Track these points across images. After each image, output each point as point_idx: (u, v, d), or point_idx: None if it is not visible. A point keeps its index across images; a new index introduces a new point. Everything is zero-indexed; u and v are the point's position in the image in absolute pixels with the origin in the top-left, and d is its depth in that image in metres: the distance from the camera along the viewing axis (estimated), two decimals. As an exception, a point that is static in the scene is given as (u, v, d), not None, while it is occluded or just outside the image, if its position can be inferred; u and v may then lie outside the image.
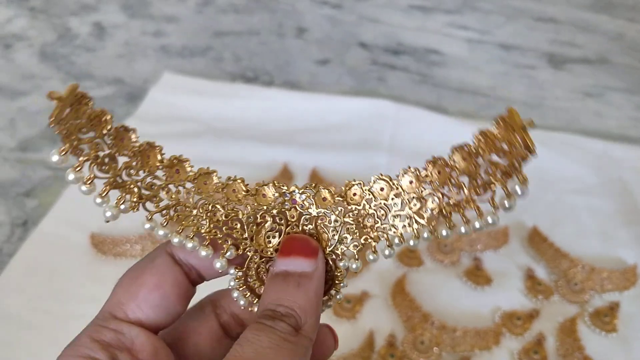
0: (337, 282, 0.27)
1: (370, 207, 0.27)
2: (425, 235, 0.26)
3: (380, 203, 0.27)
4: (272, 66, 0.93)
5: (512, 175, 0.24)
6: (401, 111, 0.80)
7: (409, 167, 0.26)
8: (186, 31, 1.00)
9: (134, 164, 0.26)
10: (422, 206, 0.26)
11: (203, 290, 0.29)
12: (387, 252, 0.26)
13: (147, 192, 0.26)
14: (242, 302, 0.27)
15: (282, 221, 0.27)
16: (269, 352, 0.22)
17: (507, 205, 0.24)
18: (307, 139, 0.76)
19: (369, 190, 0.27)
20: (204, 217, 0.27)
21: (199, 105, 0.81)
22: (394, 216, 0.26)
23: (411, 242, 0.26)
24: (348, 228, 0.27)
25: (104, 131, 0.25)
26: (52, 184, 0.68)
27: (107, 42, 0.96)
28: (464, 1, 1.12)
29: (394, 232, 0.26)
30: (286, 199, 0.27)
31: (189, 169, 0.28)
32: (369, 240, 0.27)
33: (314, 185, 0.27)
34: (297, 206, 0.27)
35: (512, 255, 0.63)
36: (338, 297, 0.27)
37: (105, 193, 0.25)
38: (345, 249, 0.27)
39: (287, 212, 0.27)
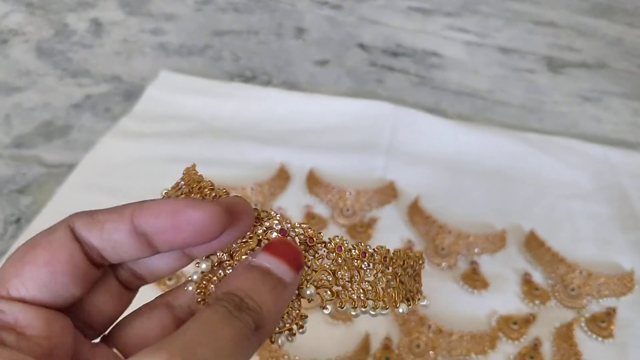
0: (299, 322, 0.26)
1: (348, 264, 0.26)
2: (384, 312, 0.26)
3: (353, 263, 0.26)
4: (270, 66, 0.92)
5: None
6: (400, 113, 0.80)
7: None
8: (185, 29, 1.00)
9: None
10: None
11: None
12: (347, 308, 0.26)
13: None
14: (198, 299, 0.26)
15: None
16: (230, 345, 0.20)
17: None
18: (305, 140, 0.76)
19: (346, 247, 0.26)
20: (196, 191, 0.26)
21: (196, 104, 0.81)
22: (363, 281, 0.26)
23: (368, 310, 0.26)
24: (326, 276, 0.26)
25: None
26: (47, 182, 0.68)
27: (105, 39, 0.96)
28: (464, 4, 1.12)
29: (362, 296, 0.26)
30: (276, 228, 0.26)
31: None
32: (342, 297, 0.26)
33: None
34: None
35: (510, 259, 0.62)
36: (289, 339, 0.25)
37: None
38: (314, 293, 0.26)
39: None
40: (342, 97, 0.84)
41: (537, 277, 0.61)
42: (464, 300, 0.58)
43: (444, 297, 0.58)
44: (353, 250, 0.26)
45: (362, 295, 0.26)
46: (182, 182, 0.27)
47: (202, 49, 0.95)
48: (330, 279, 0.26)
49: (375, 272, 0.26)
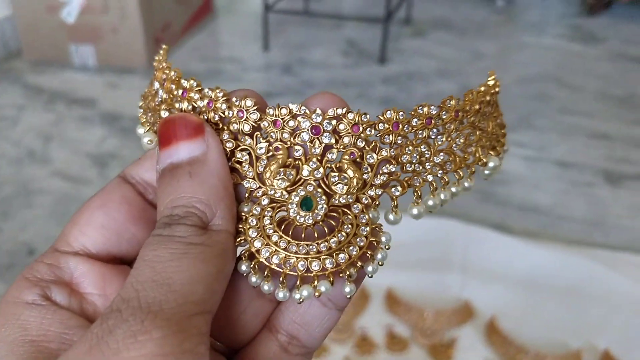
0: (374, 240, 0.20)
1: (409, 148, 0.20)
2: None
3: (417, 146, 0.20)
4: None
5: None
6: (470, 231, 0.85)
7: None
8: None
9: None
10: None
11: None
12: (429, 203, 0.21)
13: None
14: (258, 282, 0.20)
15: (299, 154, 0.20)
16: (172, 266, 0.18)
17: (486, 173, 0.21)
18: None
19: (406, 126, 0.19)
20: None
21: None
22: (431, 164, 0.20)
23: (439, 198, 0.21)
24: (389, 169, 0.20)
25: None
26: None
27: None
28: (520, 119, 1.19)
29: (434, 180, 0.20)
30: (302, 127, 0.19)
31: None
32: (416, 185, 0.20)
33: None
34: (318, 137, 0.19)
35: (589, 380, 0.64)
36: (379, 256, 0.20)
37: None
38: (379, 192, 0.20)
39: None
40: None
41: (619, 399, 0.62)
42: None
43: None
44: (414, 121, 0.19)
45: (439, 172, 0.20)
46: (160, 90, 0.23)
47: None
48: (394, 169, 0.20)
49: (446, 135, 0.20)
